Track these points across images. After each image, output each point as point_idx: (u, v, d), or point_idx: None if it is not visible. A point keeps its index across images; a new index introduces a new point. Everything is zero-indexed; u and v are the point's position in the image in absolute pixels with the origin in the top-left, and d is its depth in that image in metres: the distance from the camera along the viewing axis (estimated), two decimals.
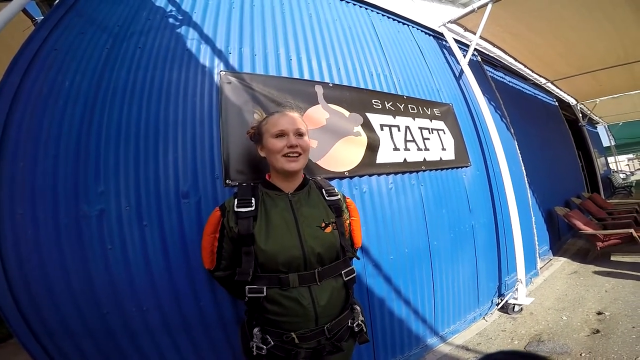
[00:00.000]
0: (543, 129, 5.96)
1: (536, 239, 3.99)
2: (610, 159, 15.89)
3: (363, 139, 2.33)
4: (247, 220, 1.16)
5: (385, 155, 2.41)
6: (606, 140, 15.64)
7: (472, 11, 3.49)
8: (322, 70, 2.38)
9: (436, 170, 2.77)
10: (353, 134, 2.29)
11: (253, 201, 1.21)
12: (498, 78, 5.01)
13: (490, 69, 4.87)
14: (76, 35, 1.77)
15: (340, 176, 2.14)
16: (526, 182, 4.10)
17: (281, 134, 1.23)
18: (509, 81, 5.47)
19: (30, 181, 1.46)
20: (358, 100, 2.43)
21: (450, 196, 2.83)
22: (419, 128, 2.76)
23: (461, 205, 2.92)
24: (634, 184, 11.56)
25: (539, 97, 6.69)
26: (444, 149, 2.90)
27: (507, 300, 3.03)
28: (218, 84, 1.89)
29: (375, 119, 2.46)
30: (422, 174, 2.64)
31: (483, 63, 4.66)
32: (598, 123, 13.33)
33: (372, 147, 2.36)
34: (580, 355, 2.21)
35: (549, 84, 6.56)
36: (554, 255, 4.64)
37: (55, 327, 1.40)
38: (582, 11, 3.69)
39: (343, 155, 2.19)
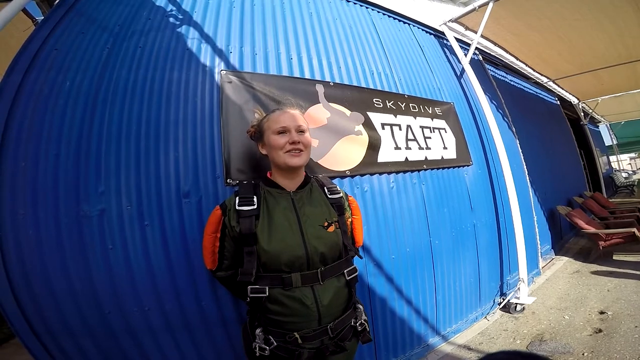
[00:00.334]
0: (545, 127, 5.94)
1: (538, 238, 3.97)
2: (612, 158, 15.81)
3: (364, 138, 2.32)
4: (249, 219, 1.15)
5: (386, 154, 2.41)
6: (608, 139, 15.62)
7: (473, 10, 3.47)
8: (323, 69, 2.37)
9: (438, 169, 2.76)
10: (354, 133, 2.28)
11: (255, 199, 1.20)
12: (499, 77, 4.99)
13: (492, 68, 4.85)
14: (77, 35, 1.77)
15: (342, 175, 2.13)
16: (528, 181, 4.08)
17: (283, 131, 1.22)
18: (511, 80, 5.45)
19: (32, 181, 1.46)
20: (359, 99, 2.43)
21: (451, 195, 2.82)
22: (420, 127, 2.75)
23: (463, 204, 2.91)
24: (636, 183, 11.52)
25: (540, 95, 6.67)
26: (445, 147, 2.89)
27: (509, 300, 3.02)
28: (219, 83, 1.89)
29: (377, 118, 2.45)
30: (423, 173, 2.63)
31: (484, 62, 4.64)
32: (600, 122, 13.29)
33: (373, 146, 2.35)
34: (583, 354, 2.20)
35: (551, 83, 6.54)
36: (556, 255, 4.62)
37: (57, 326, 1.40)
38: (583, 10, 3.68)
39: (344, 154, 2.18)
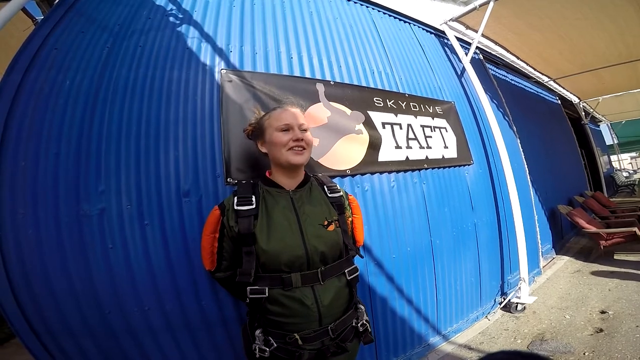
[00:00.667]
0: (546, 127, 5.93)
1: (539, 237, 3.96)
2: (613, 157, 15.78)
3: (365, 137, 2.32)
4: (248, 219, 1.14)
5: (387, 153, 2.40)
6: (609, 139, 15.57)
7: (474, 9, 3.47)
8: (324, 68, 2.37)
9: (438, 168, 2.76)
10: (355, 132, 2.28)
11: (253, 199, 1.19)
12: (500, 76, 4.98)
13: (492, 67, 4.85)
14: (77, 34, 1.77)
15: (342, 174, 2.13)
16: (529, 180, 4.07)
17: (286, 128, 1.21)
18: (511, 79, 5.44)
19: (31, 180, 1.46)
20: (359, 98, 2.42)
21: (452, 194, 2.81)
22: (421, 126, 2.75)
23: (463, 203, 2.90)
24: (636, 183, 11.49)
25: (541, 95, 6.66)
26: (446, 147, 2.88)
27: (509, 299, 3.02)
28: (219, 82, 1.89)
29: (377, 117, 2.45)
30: (424, 172, 2.63)
31: (485, 61, 4.63)
32: (601, 121, 13.26)
33: (374, 145, 2.35)
34: (584, 354, 2.19)
35: (551, 82, 6.53)
36: (556, 254, 4.62)
37: (57, 326, 1.40)
38: (584, 9, 3.67)
39: (345, 153, 2.18)
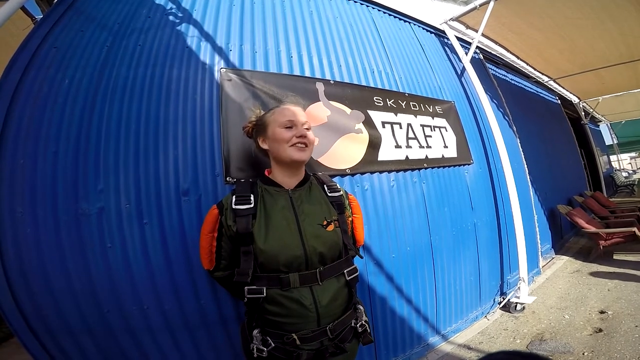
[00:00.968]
0: (545, 127, 5.93)
1: (538, 237, 3.96)
2: (613, 158, 15.80)
3: (364, 136, 2.31)
4: (246, 218, 1.13)
5: (386, 152, 2.40)
6: (609, 139, 15.58)
7: (474, 9, 3.46)
8: (323, 67, 2.37)
9: (438, 167, 2.76)
10: (354, 131, 2.27)
11: (252, 198, 1.18)
12: (500, 76, 4.98)
13: (492, 67, 4.84)
14: (76, 33, 1.77)
15: (342, 173, 2.13)
16: (528, 180, 4.07)
17: (290, 125, 1.21)
18: (511, 79, 5.44)
19: (30, 179, 1.46)
20: (359, 97, 2.42)
21: (452, 194, 2.81)
22: (421, 125, 2.74)
23: (463, 203, 2.90)
24: (636, 183, 11.50)
25: (541, 95, 6.66)
26: (446, 146, 2.88)
27: (509, 299, 3.02)
28: (218, 81, 1.88)
29: (377, 116, 2.44)
30: (424, 171, 2.63)
31: (485, 61, 4.63)
32: (600, 121, 13.26)
33: (374, 145, 2.35)
34: (583, 354, 2.19)
35: (551, 82, 6.53)
36: (556, 254, 4.62)
37: (55, 325, 1.40)
38: (585, 9, 3.67)
39: (344, 152, 2.18)
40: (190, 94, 1.82)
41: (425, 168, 2.64)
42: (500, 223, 3.25)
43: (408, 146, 2.56)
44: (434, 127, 2.86)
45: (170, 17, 1.98)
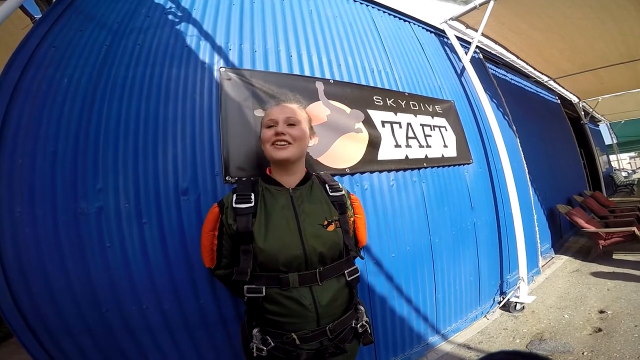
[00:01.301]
0: (545, 126, 5.93)
1: (538, 236, 3.97)
2: (612, 157, 15.83)
3: (364, 135, 2.31)
4: (246, 216, 1.13)
5: (386, 152, 2.40)
6: (608, 138, 15.59)
7: (474, 8, 3.46)
8: (323, 66, 2.36)
9: (438, 167, 2.76)
10: (354, 130, 2.27)
11: (252, 197, 1.18)
12: (500, 75, 4.98)
13: (492, 67, 4.84)
14: (75, 32, 1.77)
15: (341, 173, 2.13)
16: (528, 179, 4.07)
17: (271, 124, 1.21)
18: (511, 79, 5.44)
19: (29, 178, 1.45)
20: (359, 96, 2.42)
21: (452, 193, 2.81)
22: (421, 125, 2.74)
23: (463, 202, 2.90)
24: (635, 182, 11.51)
25: (541, 94, 6.66)
26: (445, 146, 2.88)
27: (508, 299, 3.02)
28: (218, 80, 1.88)
29: (377, 116, 2.44)
30: (423, 171, 2.63)
31: (485, 60, 4.63)
32: (600, 121, 13.26)
33: (374, 144, 2.34)
34: (582, 354, 2.19)
35: (551, 82, 6.53)
36: (555, 253, 4.62)
37: (55, 325, 1.40)
38: (585, 9, 3.66)
39: (344, 151, 2.17)
40: (189, 93, 1.81)
41: (425, 167, 2.64)
42: (499, 223, 3.25)
43: (408, 145, 2.56)
44: (434, 126, 2.86)
45: (170, 17, 1.98)
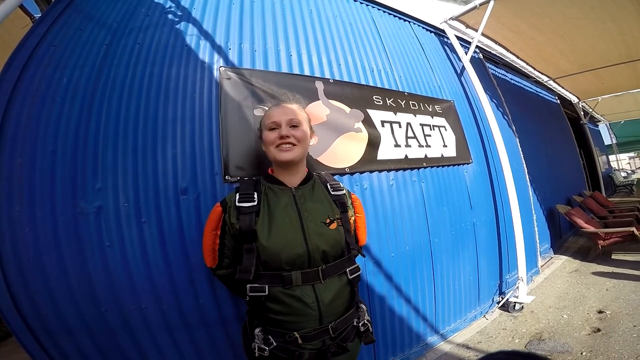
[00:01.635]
0: (545, 126, 5.93)
1: (537, 236, 3.97)
2: (612, 157, 15.83)
3: (364, 135, 2.31)
4: (249, 215, 1.14)
5: (386, 151, 2.40)
6: (608, 139, 15.61)
7: (474, 8, 3.46)
8: (323, 66, 2.36)
9: (437, 167, 2.76)
10: (354, 130, 2.27)
11: (255, 196, 1.18)
12: (500, 75, 4.98)
13: (492, 66, 4.84)
14: (74, 32, 1.76)
15: (341, 172, 2.13)
16: (528, 179, 4.08)
17: (274, 126, 1.21)
18: (511, 78, 5.44)
19: (28, 178, 1.45)
20: (359, 96, 2.41)
21: (451, 193, 2.81)
22: (420, 124, 2.74)
23: (462, 202, 2.90)
24: (635, 182, 11.52)
25: (540, 94, 6.66)
26: (445, 145, 2.88)
27: (507, 299, 3.02)
28: (217, 79, 1.88)
29: (376, 115, 2.44)
30: (423, 170, 2.63)
31: (485, 60, 4.63)
32: (600, 121, 13.28)
33: (373, 144, 2.34)
34: (581, 354, 2.20)
35: (551, 82, 6.53)
36: (554, 254, 4.62)
37: (54, 325, 1.40)
38: (585, 9, 3.66)
39: (344, 151, 2.17)
40: (189, 92, 1.81)
41: (425, 167, 2.64)
42: (499, 222, 3.25)
43: (407, 145, 2.56)
44: (434, 126, 2.86)
45: (169, 16, 1.98)
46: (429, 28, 3.79)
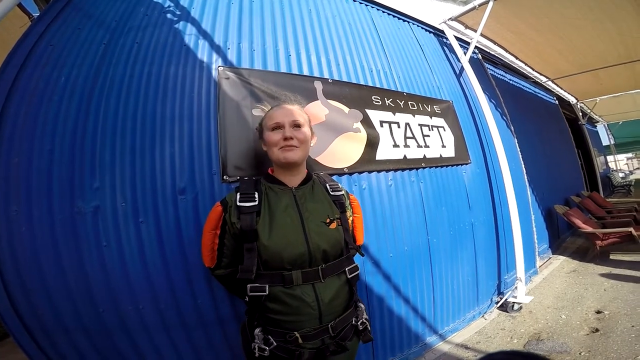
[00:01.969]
0: (543, 127, 5.95)
1: (535, 237, 3.98)
2: (610, 158, 15.88)
3: (362, 135, 2.31)
4: (250, 215, 1.14)
5: (384, 151, 2.40)
6: (606, 139, 15.65)
7: (473, 8, 3.46)
8: (322, 66, 2.36)
9: (436, 167, 2.76)
10: (352, 130, 2.27)
11: (256, 195, 1.18)
12: (498, 76, 4.98)
13: (491, 67, 4.85)
14: (73, 31, 1.76)
15: (340, 173, 2.12)
16: (526, 180, 4.08)
17: (277, 127, 1.22)
18: (510, 79, 5.45)
19: (25, 177, 1.45)
20: (358, 96, 2.41)
21: (450, 193, 2.81)
22: (419, 125, 2.74)
23: (461, 202, 2.91)
24: (632, 183, 11.54)
25: (539, 95, 6.67)
26: (444, 146, 2.88)
27: (506, 299, 3.03)
28: (216, 79, 1.87)
29: (375, 116, 2.44)
30: (421, 171, 2.63)
31: (483, 61, 4.63)
32: (598, 122, 13.31)
33: (372, 144, 2.34)
34: (580, 354, 2.20)
35: (550, 82, 6.55)
36: (553, 254, 4.63)
37: (51, 324, 1.40)
38: (584, 9, 3.67)
39: (342, 151, 2.17)
40: (187, 92, 1.81)
41: (423, 167, 2.64)
42: (497, 223, 3.26)
43: (406, 145, 2.56)
44: (432, 126, 2.86)
45: (168, 15, 1.97)
46: (428, 28, 3.79)
